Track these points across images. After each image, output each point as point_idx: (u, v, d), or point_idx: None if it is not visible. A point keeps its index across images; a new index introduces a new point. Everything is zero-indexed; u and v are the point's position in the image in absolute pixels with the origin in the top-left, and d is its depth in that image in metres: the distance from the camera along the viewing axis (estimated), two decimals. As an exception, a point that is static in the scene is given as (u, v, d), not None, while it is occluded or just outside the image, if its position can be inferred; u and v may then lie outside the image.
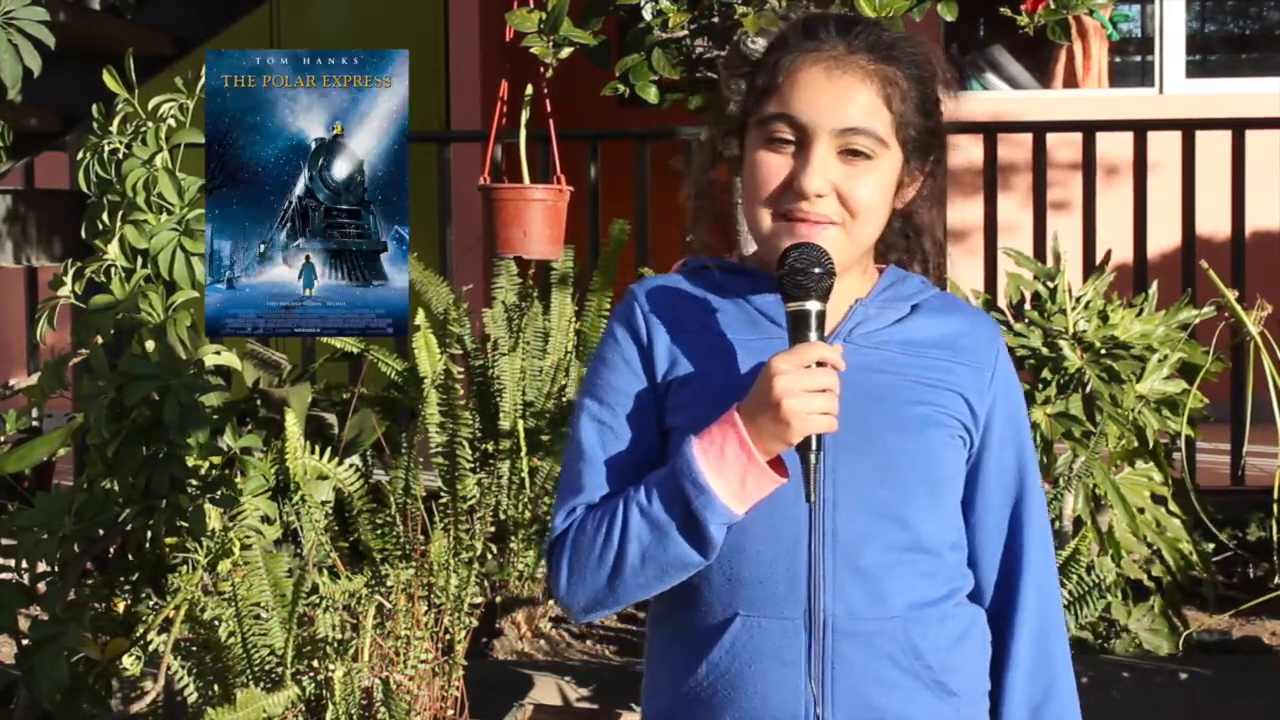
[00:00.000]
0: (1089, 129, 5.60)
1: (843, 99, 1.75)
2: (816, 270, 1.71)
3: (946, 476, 1.81)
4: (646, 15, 3.52)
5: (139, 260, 2.81)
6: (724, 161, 1.90)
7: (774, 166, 1.77)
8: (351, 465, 3.57)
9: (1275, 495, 4.21)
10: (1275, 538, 4.56)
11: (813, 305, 1.71)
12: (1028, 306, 4.15)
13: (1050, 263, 4.17)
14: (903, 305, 1.84)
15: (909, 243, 1.89)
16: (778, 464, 1.71)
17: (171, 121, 2.90)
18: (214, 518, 2.99)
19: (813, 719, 1.73)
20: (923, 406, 1.79)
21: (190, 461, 2.79)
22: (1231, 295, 3.83)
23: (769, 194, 1.77)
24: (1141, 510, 4.04)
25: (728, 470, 1.69)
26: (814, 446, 1.68)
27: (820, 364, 1.68)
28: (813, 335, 1.71)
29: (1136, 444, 3.99)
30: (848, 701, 1.74)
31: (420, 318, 4.46)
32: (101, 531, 2.81)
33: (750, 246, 1.90)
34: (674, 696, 1.81)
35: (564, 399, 4.75)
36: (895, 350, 1.81)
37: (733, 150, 1.87)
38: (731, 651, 1.76)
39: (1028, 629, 1.86)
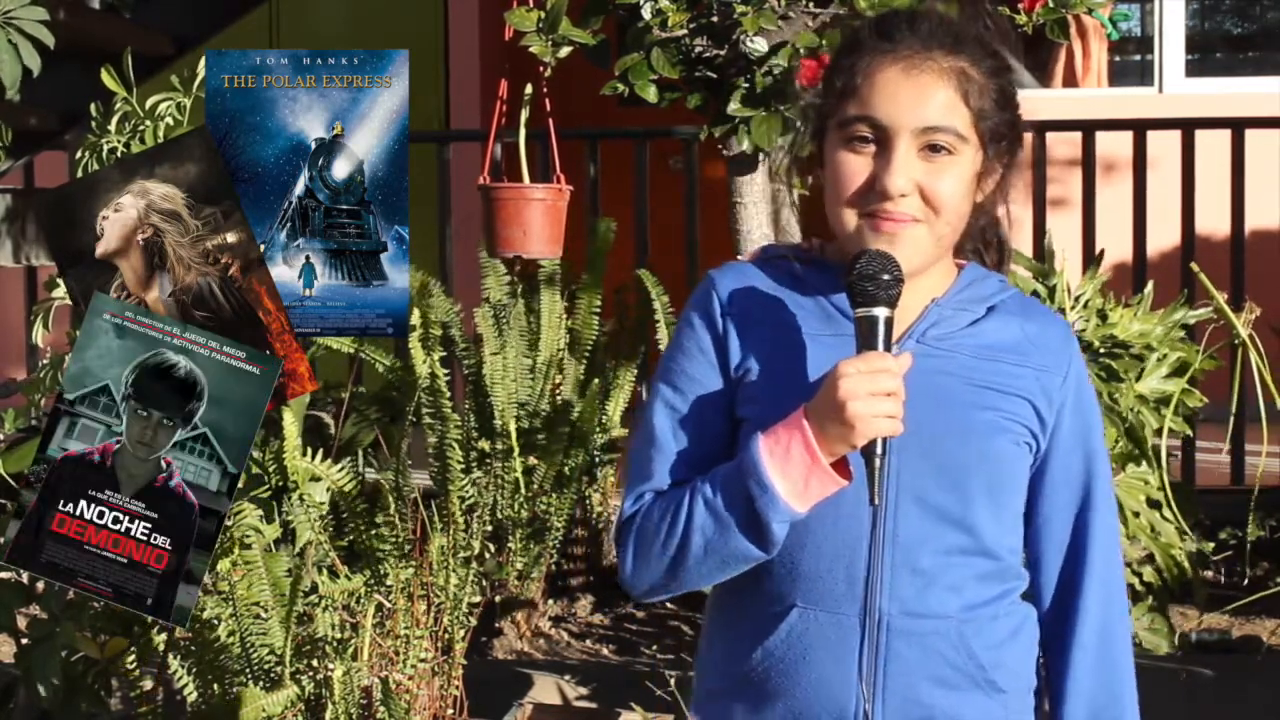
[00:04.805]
0: (1088, 128, 5.60)
1: (922, 98, 1.76)
2: (885, 277, 1.72)
3: (1009, 483, 1.82)
4: (646, 14, 3.52)
5: (138, 260, 2.80)
6: (808, 166, 1.91)
7: (856, 167, 1.78)
8: (345, 466, 3.57)
9: (1254, 494, 4.22)
10: (1248, 534, 4.57)
11: (880, 312, 1.72)
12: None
13: (1045, 262, 4.17)
14: (979, 307, 1.85)
15: (984, 235, 1.91)
16: (842, 465, 1.72)
17: (169, 120, 2.90)
18: (213, 517, 2.99)
19: (861, 715, 1.75)
20: (989, 412, 1.79)
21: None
22: (1222, 297, 3.85)
23: (852, 194, 1.78)
24: (1137, 514, 4.03)
25: (792, 470, 1.70)
26: (879, 450, 1.70)
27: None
28: (880, 342, 1.72)
29: (1132, 447, 3.98)
30: (899, 699, 1.76)
31: (417, 317, 4.46)
32: (101, 531, 2.80)
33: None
34: (728, 677, 1.84)
35: (558, 398, 4.75)
36: (967, 354, 1.82)
37: (809, 153, 1.88)
38: (787, 641, 1.78)
39: (1091, 635, 1.86)
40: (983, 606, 1.78)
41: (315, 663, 3.16)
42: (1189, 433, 4.51)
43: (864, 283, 1.72)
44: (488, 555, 4.50)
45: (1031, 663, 1.86)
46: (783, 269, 1.86)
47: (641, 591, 1.81)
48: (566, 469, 4.62)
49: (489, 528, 4.33)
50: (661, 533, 1.77)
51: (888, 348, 1.72)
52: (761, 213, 3.78)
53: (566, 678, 4.13)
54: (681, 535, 1.75)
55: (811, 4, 3.58)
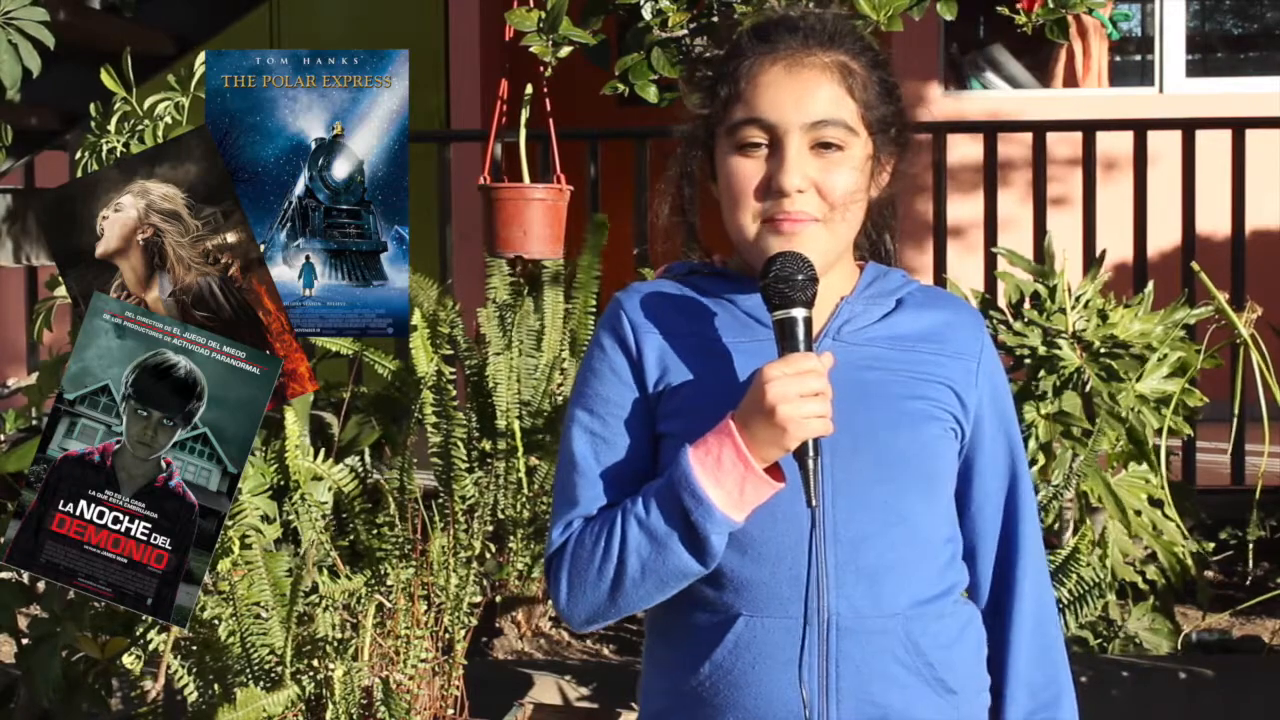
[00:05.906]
0: (1089, 128, 5.60)
1: (806, 93, 1.77)
2: (800, 278, 1.72)
3: (941, 471, 1.83)
4: (646, 14, 3.52)
5: (138, 260, 2.80)
6: (693, 175, 1.91)
7: (749, 171, 1.78)
8: (347, 466, 3.57)
9: (1255, 494, 4.22)
10: (1248, 534, 4.57)
11: (799, 313, 1.72)
12: (1027, 306, 4.15)
13: (1045, 263, 4.17)
14: (887, 300, 1.85)
15: (878, 236, 1.92)
16: (775, 469, 1.71)
17: (169, 119, 2.91)
18: (214, 517, 2.99)
19: (815, 718, 1.74)
20: (916, 401, 1.80)
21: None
22: (1223, 297, 3.86)
23: (748, 198, 1.78)
24: (1139, 513, 4.03)
25: (726, 479, 1.69)
26: (811, 451, 1.69)
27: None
28: (801, 343, 1.72)
29: (1132, 447, 3.98)
30: (853, 700, 1.75)
31: (418, 317, 4.46)
32: (101, 531, 2.80)
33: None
34: (674, 696, 1.81)
35: (560, 397, 4.75)
36: (884, 346, 1.82)
37: (700, 162, 1.87)
38: (734, 652, 1.76)
39: (1028, 616, 1.88)
40: (928, 603, 1.78)
41: (315, 663, 3.16)
42: (1189, 433, 4.51)
43: (780, 285, 1.72)
44: (488, 555, 4.50)
45: (981, 665, 1.86)
46: (689, 283, 1.86)
47: (580, 621, 1.78)
48: (567, 469, 4.61)
49: (490, 527, 4.33)
50: (596, 559, 1.74)
51: (809, 348, 1.72)
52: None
53: (567, 678, 4.13)
54: (617, 559, 1.73)
55: (812, 4, 3.57)
